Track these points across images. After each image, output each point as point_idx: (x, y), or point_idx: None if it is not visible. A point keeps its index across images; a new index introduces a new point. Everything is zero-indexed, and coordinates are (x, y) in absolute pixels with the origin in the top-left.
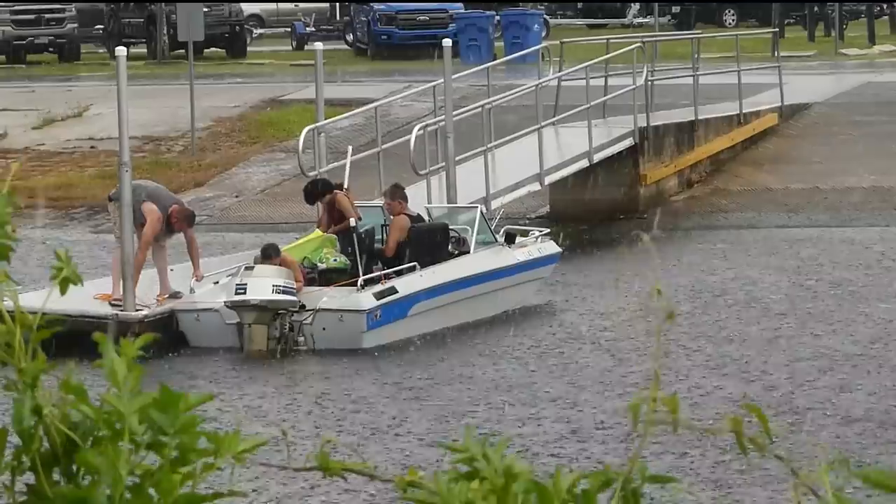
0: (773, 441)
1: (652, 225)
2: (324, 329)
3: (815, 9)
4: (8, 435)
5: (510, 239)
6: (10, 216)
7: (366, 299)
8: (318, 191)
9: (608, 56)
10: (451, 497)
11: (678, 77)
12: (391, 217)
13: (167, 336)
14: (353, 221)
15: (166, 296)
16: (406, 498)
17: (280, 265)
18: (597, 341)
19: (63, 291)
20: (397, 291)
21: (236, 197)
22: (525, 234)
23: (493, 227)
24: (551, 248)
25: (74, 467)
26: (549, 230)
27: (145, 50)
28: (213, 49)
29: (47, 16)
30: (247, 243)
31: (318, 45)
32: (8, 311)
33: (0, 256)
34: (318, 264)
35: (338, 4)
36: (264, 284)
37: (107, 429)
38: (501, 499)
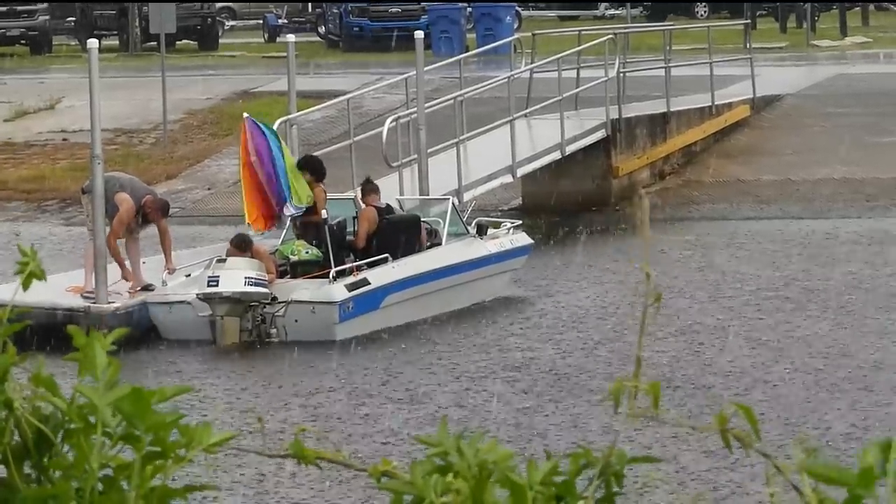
0: (760, 440)
1: (625, 216)
2: (296, 321)
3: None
4: None
5: (482, 230)
6: None
7: (338, 291)
8: (306, 169)
9: (580, 48)
10: (426, 488)
11: (650, 69)
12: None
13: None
14: (324, 213)
15: (139, 288)
16: (380, 487)
17: (252, 257)
18: (569, 332)
19: (26, 287)
20: (369, 283)
21: (208, 189)
22: (497, 225)
23: (465, 219)
24: (523, 239)
25: (46, 460)
26: (521, 222)
27: (117, 42)
28: (185, 41)
29: (19, 8)
30: (219, 235)
31: (290, 37)
32: None
33: None
34: (291, 256)
35: None
36: (236, 276)
37: (79, 421)
38: (475, 493)
